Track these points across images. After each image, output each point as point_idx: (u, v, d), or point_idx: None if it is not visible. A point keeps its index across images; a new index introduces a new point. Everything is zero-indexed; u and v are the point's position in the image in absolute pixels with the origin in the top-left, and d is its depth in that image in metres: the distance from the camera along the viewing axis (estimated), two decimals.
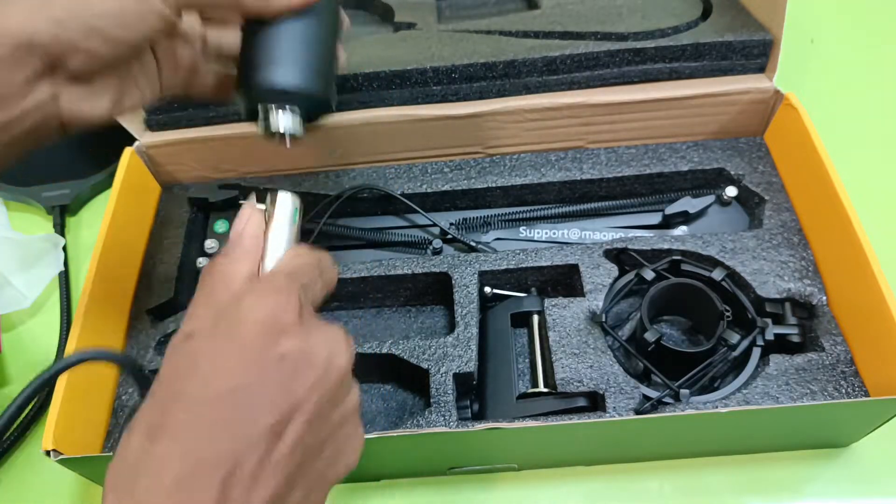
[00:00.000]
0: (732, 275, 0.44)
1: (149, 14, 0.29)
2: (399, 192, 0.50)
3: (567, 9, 0.54)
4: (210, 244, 0.50)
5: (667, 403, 0.39)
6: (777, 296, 0.43)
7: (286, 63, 0.33)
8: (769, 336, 0.41)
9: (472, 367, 0.41)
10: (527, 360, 0.45)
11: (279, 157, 0.52)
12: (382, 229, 0.50)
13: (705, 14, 0.52)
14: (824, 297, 0.43)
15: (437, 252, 0.48)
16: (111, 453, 0.40)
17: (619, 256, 0.46)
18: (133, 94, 0.33)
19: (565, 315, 0.43)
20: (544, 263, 0.45)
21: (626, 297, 0.45)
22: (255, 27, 0.33)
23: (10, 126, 0.28)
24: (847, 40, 0.66)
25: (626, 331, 0.44)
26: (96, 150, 0.61)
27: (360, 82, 0.50)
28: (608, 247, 0.46)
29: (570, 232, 0.49)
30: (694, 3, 0.54)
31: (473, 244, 0.48)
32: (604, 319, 0.42)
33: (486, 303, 0.46)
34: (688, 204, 0.48)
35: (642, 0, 0.54)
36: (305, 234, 0.50)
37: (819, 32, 0.66)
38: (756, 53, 0.49)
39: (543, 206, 0.50)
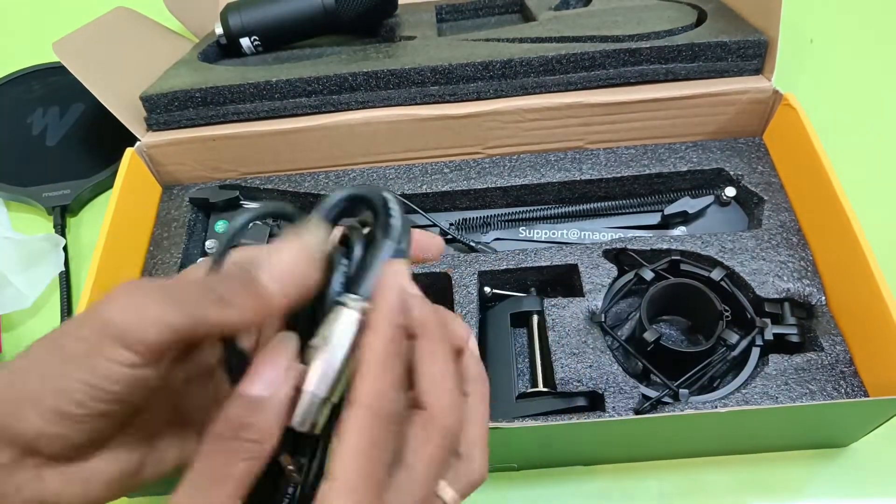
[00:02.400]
0: (731, 275, 0.44)
1: (118, 377, 0.22)
2: (399, 193, 0.50)
3: (563, 21, 0.55)
4: (210, 244, 0.51)
5: (666, 403, 0.39)
6: (776, 296, 0.43)
7: None
8: (768, 336, 0.41)
9: None
10: (526, 360, 0.45)
11: (279, 157, 0.52)
12: None
13: (700, 22, 0.53)
14: (823, 297, 0.43)
15: None
16: None
17: (619, 256, 0.46)
18: (159, 462, 0.26)
19: (565, 315, 0.43)
20: (544, 263, 0.45)
21: (625, 297, 0.45)
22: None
23: None
24: (846, 40, 0.66)
25: (625, 331, 0.44)
26: (97, 150, 0.61)
27: (359, 82, 0.50)
28: (607, 247, 0.46)
29: (570, 232, 0.49)
30: (688, 11, 0.54)
31: (473, 244, 0.48)
32: (603, 319, 0.42)
33: (485, 303, 0.46)
34: (687, 204, 0.48)
35: (637, 10, 0.55)
36: None
37: (818, 33, 0.66)
38: (751, 55, 0.49)
39: (543, 207, 0.51)
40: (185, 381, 0.26)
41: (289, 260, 0.22)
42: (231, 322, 0.22)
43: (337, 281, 0.23)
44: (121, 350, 0.21)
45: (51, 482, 0.23)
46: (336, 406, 0.22)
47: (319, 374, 0.22)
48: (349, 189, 0.24)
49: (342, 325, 0.22)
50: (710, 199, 0.49)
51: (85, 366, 0.22)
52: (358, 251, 0.24)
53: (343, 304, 0.22)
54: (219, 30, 0.57)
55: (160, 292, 0.22)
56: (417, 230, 0.25)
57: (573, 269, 0.45)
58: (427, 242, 0.26)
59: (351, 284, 0.23)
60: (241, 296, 0.22)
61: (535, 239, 0.49)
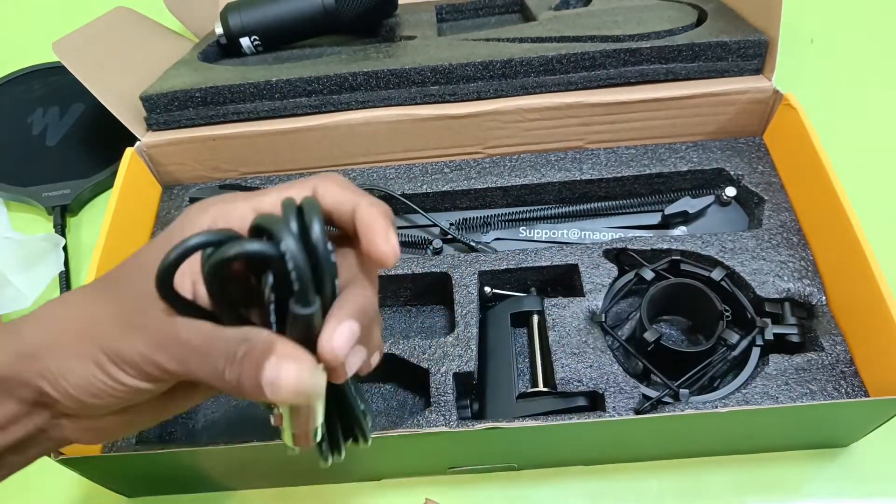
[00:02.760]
0: (732, 275, 0.44)
1: (117, 389, 0.24)
2: (399, 193, 0.50)
3: (563, 21, 0.55)
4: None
5: (666, 403, 0.39)
6: (776, 296, 0.43)
7: None
8: (768, 336, 0.41)
9: (471, 366, 0.41)
10: (526, 360, 0.45)
11: (279, 157, 0.52)
12: None
13: (700, 22, 0.53)
14: (824, 297, 0.43)
15: (437, 252, 0.49)
16: (112, 453, 0.40)
17: (619, 256, 0.46)
18: (143, 417, 0.28)
19: (565, 315, 0.43)
20: (544, 263, 0.45)
21: (625, 297, 0.45)
22: None
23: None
24: (847, 40, 0.66)
25: (625, 330, 0.44)
26: (97, 150, 0.61)
27: (359, 82, 0.50)
28: (608, 247, 0.46)
29: (570, 232, 0.49)
30: (688, 11, 0.54)
31: (473, 244, 0.48)
32: (603, 319, 0.42)
33: (485, 303, 0.46)
34: (687, 204, 0.48)
35: (637, 10, 0.55)
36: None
37: (819, 33, 0.66)
38: (752, 54, 0.49)
39: (543, 207, 0.51)
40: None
41: (293, 377, 0.22)
42: (224, 389, 0.23)
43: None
44: (130, 369, 0.24)
45: (67, 430, 0.26)
46: None
47: None
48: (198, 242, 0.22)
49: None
50: (710, 198, 0.49)
51: (103, 369, 0.24)
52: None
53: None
54: (219, 30, 0.57)
55: (167, 333, 0.24)
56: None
57: (573, 269, 0.45)
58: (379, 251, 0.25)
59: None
60: (243, 383, 0.22)
61: (535, 239, 0.49)
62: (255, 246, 0.21)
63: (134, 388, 0.24)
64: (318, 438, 0.26)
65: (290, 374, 0.22)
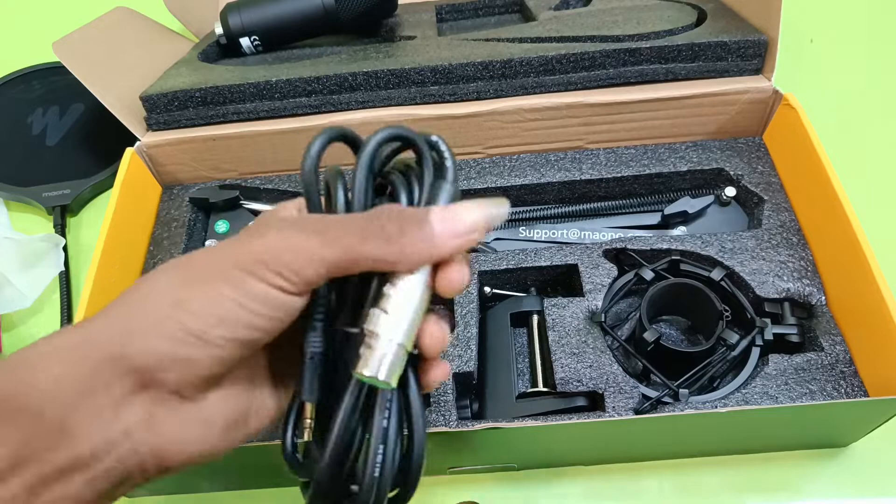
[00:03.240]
0: (731, 275, 0.44)
1: (273, 300, 0.22)
2: None
3: (563, 21, 0.55)
4: (210, 244, 0.51)
5: (666, 403, 0.39)
6: (776, 296, 0.43)
7: None
8: (768, 336, 0.41)
9: (471, 366, 0.41)
10: (526, 360, 0.45)
11: (279, 157, 0.52)
12: None
13: (700, 22, 0.53)
14: (823, 297, 0.43)
15: None
16: None
17: (619, 256, 0.46)
18: (260, 411, 0.26)
19: (565, 315, 0.43)
20: (544, 263, 0.45)
21: (625, 297, 0.45)
22: None
23: (89, 467, 0.21)
24: (846, 40, 0.66)
25: (625, 330, 0.44)
26: (97, 150, 0.61)
27: (359, 82, 0.50)
28: (607, 247, 0.46)
29: (570, 232, 0.49)
30: (688, 11, 0.54)
31: None
32: (603, 319, 0.42)
33: (485, 303, 0.46)
34: (687, 204, 0.48)
35: (637, 10, 0.55)
36: None
37: (818, 32, 0.66)
38: (751, 54, 0.49)
39: (543, 207, 0.51)
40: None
41: (467, 210, 0.23)
42: (387, 259, 0.22)
43: None
44: (276, 277, 0.22)
45: (166, 425, 0.22)
46: None
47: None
48: (388, 130, 0.24)
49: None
50: (710, 198, 0.49)
51: (238, 286, 0.22)
52: (404, 199, 0.25)
53: None
54: (219, 30, 0.57)
55: (324, 227, 0.23)
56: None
57: (573, 268, 0.45)
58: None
59: None
60: (409, 235, 0.22)
61: (535, 239, 0.49)
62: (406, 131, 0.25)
63: (274, 301, 0.22)
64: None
65: (463, 207, 0.23)
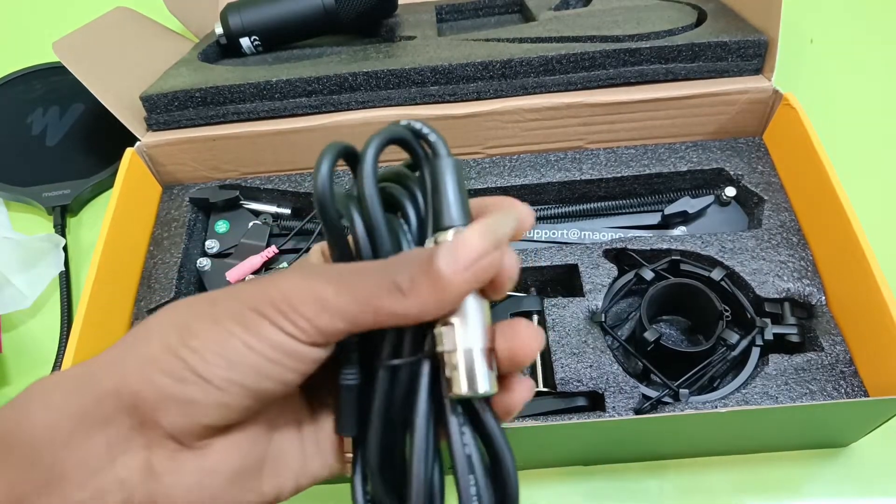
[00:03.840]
0: (731, 275, 0.44)
1: (288, 349, 0.21)
2: None
3: (563, 21, 0.55)
4: (210, 244, 0.50)
5: (666, 403, 0.39)
6: (776, 296, 0.43)
7: None
8: (768, 336, 0.41)
9: None
10: None
11: (279, 157, 0.52)
12: None
13: (699, 22, 0.53)
14: (823, 297, 0.43)
15: None
16: None
17: (619, 256, 0.46)
18: (278, 468, 0.23)
19: (565, 315, 0.43)
20: (544, 263, 0.45)
21: (625, 297, 0.45)
22: None
23: None
24: (847, 40, 0.66)
25: (625, 330, 0.44)
26: (97, 150, 0.61)
27: (359, 82, 0.50)
28: (607, 247, 0.46)
29: (570, 232, 0.49)
30: (688, 11, 0.54)
31: None
32: (603, 319, 0.42)
33: None
34: (687, 204, 0.48)
35: (637, 10, 0.55)
36: (305, 235, 0.51)
37: (819, 32, 0.66)
38: (752, 54, 0.49)
39: (543, 207, 0.51)
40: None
41: (474, 243, 0.20)
42: (407, 314, 0.20)
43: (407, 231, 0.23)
44: (288, 323, 0.20)
45: (163, 473, 0.21)
46: None
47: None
48: (375, 139, 0.22)
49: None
50: (710, 198, 0.49)
51: (249, 328, 0.20)
52: (412, 215, 0.23)
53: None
54: (219, 30, 0.57)
55: (338, 277, 0.21)
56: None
57: (573, 269, 0.45)
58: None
59: (433, 224, 0.22)
60: (420, 284, 0.20)
61: (535, 239, 0.49)
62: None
63: (285, 348, 0.21)
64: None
65: (469, 239, 0.20)
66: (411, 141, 0.23)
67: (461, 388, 0.21)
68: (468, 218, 0.22)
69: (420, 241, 0.23)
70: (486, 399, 0.22)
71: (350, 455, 0.24)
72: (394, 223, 0.23)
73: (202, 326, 0.21)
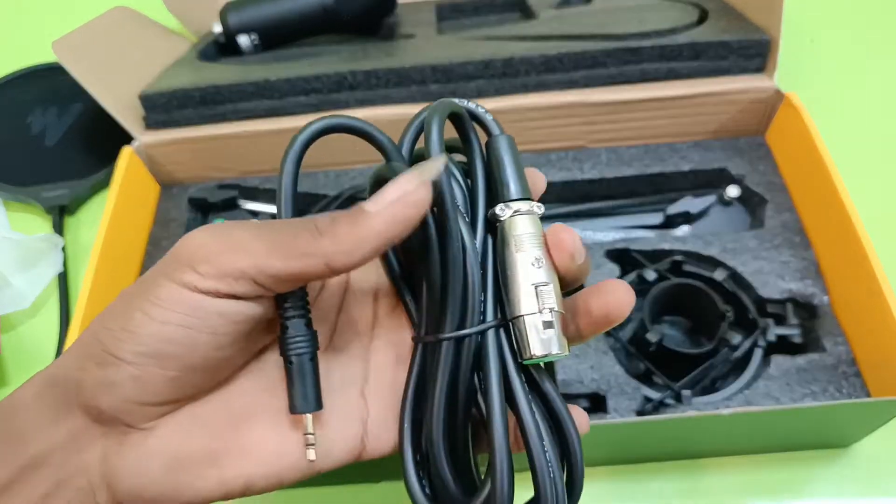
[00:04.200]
0: (734, 275, 0.44)
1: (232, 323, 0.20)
2: None
3: (564, 19, 0.55)
4: None
5: (668, 405, 0.39)
6: (779, 296, 0.43)
7: None
8: (771, 337, 0.41)
9: None
10: None
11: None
12: None
13: (701, 21, 0.53)
14: (826, 298, 0.43)
15: None
16: None
17: (621, 257, 0.46)
18: (243, 456, 0.22)
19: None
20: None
21: None
22: None
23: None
24: (848, 40, 0.65)
25: (627, 331, 0.44)
26: (96, 150, 0.61)
27: (359, 80, 0.50)
28: (609, 247, 0.45)
29: None
30: (690, 10, 0.54)
31: None
32: None
33: None
34: (689, 204, 0.48)
35: (638, 9, 0.54)
36: None
37: (820, 32, 0.65)
38: (753, 54, 0.49)
39: (544, 207, 0.50)
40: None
41: (398, 181, 0.20)
42: (318, 253, 0.20)
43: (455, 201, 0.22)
44: (190, 274, 0.20)
45: (111, 456, 0.21)
46: None
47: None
48: (436, 114, 0.23)
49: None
50: (712, 198, 0.49)
51: (146, 291, 0.20)
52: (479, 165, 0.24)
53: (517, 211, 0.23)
54: (218, 28, 0.57)
55: (258, 226, 0.21)
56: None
57: None
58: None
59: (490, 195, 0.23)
60: (339, 223, 0.20)
61: None
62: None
63: (186, 304, 0.20)
64: None
65: (395, 180, 0.20)
66: (465, 119, 0.24)
67: (534, 349, 0.21)
68: (527, 191, 0.23)
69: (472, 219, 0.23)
70: (546, 365, 0.23)
71: (310, 436, 0.22)
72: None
73: (117, 304, 0.21)
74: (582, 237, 0.48)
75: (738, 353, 0.40)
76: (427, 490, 0.23)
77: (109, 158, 0.58)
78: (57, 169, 0.59)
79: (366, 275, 0.26)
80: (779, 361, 0.40)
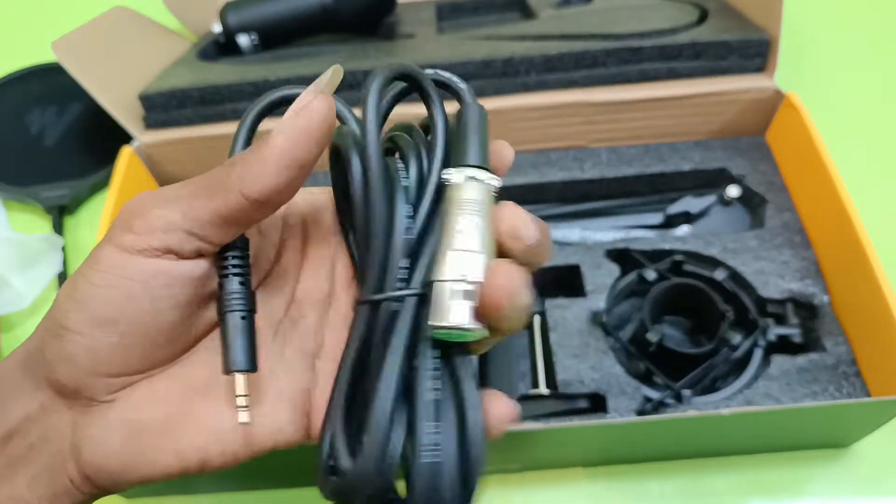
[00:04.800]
0: (734, 275, 0.44)
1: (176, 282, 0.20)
2: None
3: (564, 18, 0.55)
4: None
5: (668, 405, 0.39)
6: (779, 296, 0.43)
7: None
8: (771, 336, 0.41)
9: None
10: (528, 362, 0.44)
11: None
12: None
13: (701, 20, 0.53)
14: (826, 298, 0.43)
15: None
16: None
17: (621, 257, 0.46)
18: (203, 434, 0.22)
19: (566, 316, 0.43)
20: (545, 264, 0.45)
21: (627, 298, 0.44)
22: None
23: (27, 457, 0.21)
24: (849, 40, 0.65)
25: (627, 331, 0.44)
26: (95, 150, 0.60)
27: (359, 80, 0.50)
28: (609, 247, 0.45)
29: (572, 232, 0.49)
30: (690, 10, 0.54)
31: None
32: (605, 320, 0.42)
33: None
34: (689, 204, 0.48)
35: (638, 9, 0.54)
36: None
37: (820, 32, 0.65)
38: (753, 53, 0.49)
39: (544, 206, 0.50)
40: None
41: (296, 100, 0.21)
42: (231, 185, 0.20)
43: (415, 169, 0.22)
44: (123, 234, 0.20)
45: (78, 428, 0.21)
46: None
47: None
48: (381, 72, 0.23)
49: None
50: (712, 198, 0.49)
51: (89, 258, 0.20)
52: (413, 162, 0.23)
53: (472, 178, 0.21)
54: (217, 28, 0.56)
55: (184, 182, 0.21)
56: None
57: (575, 269, 0.45)
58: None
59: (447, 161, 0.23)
60: (248, 153, 0.20)
61: None
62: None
63: (115, 264, 0.20)
64: None
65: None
66: (422, 80, 0.23)
67: (444, 318, 0.20)
68: (486, 161, 0.22)
69: (419, 189, 0.22)
70: (467, 348, 0.21)
71: (241, 398, 0.21)
72: (392, 166, 0.23)
73: (71, 276, 0.21)
74: (582, 237, 0.49)
75: (738, 353, 0.40)
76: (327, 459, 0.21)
77: (109, 159, 0.58)
78: (56, 169, 0.59)
79: (323, 247, 0.25)
80: (779, 361, 0.40)
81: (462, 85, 0.23)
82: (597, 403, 0.40)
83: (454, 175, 0.22)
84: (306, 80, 0.52)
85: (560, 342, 0.42)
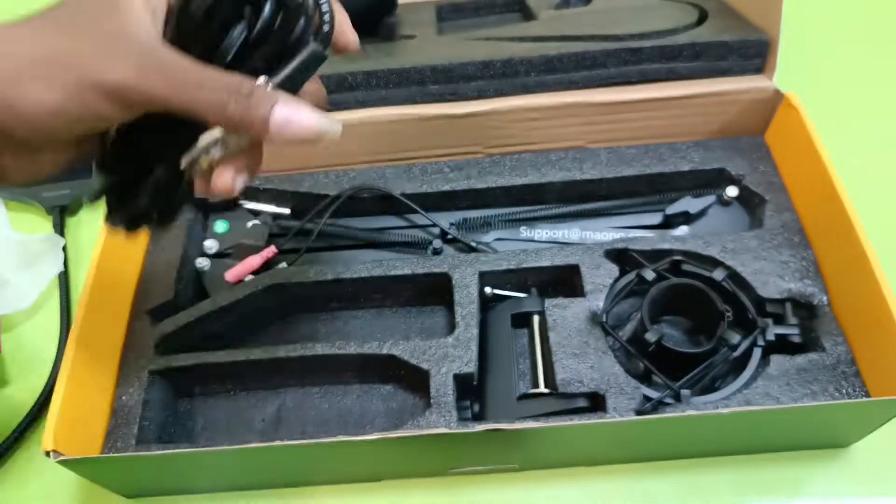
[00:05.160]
0: (733, 275, 0.44)
1: (88, 116, 0.25)
2: (399, 193, 0.50)
3: (564, 19, 0.55)
4: (209, 244, 0.50)
5: (667, 404, 0.39)
6: (778, 296, 0.43)
7: None
8: (770, 336, 0.41)
9: (472, 367, 0.41)
10: (527, 361, 0.45)
11: (277, 157, 0.52)
12: (382, 229, 0.50)
13: (701, 21, 0.53)
14: (825, 298, 0.43)
15: (437, 252, 0.48)
16: (112, 454, 0.40)
17: (620, 257, 0.46)
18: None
19: (566, 315, 0.43)
20: (545, 264, 0.45)
21: (626, 298, 0.44)
22: None
23: None
24: (847, 40, 0.65)
25: (626, 331, 0.44)
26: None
27: (359, 81, 0.50)
28: (609, 247, 0.45)
29: (571, 232, 0.49)
30: (689, 10, 0.54)
31: (474, 244, 0.48)
32: (604, 320, 0.42)
33: (486, 303, 0.46)
34: (689, 204, 0.48)
35: (638, 9, 0.55)
36: (304, 235, 0.51)
37: (820, 32, 0.65)
38: (753, 54, 0.49)
39: (544, 206, 0.50)
40: None
41: (305, 114, 0.29)
42: (204, 113, 0.26)
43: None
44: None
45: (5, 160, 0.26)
46: None
47: None
48: None
49: None
50: (711, 198, 0.49)
51: None
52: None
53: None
54: None
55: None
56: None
57: (574, 269, 0.45)
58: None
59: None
60: (253, 112, 0.27)
61: (536, 239, 0.49)
62: None
63: (107, 116, 0.25)
64: None
65: (304, 115, 0.28)
66: None
67: None
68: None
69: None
70: None
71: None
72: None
73: (42, 92, 0.24)
74: (581, 237, 0.49)
75: (737, 353, 0.40)
76: None
77: None
78: None
79: None
80: (778, 361, 0.40)
81: (327, 16, 0.31)
82: (596, 403, 0.40)
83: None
84: None
85: (559, 342, 0.42)
